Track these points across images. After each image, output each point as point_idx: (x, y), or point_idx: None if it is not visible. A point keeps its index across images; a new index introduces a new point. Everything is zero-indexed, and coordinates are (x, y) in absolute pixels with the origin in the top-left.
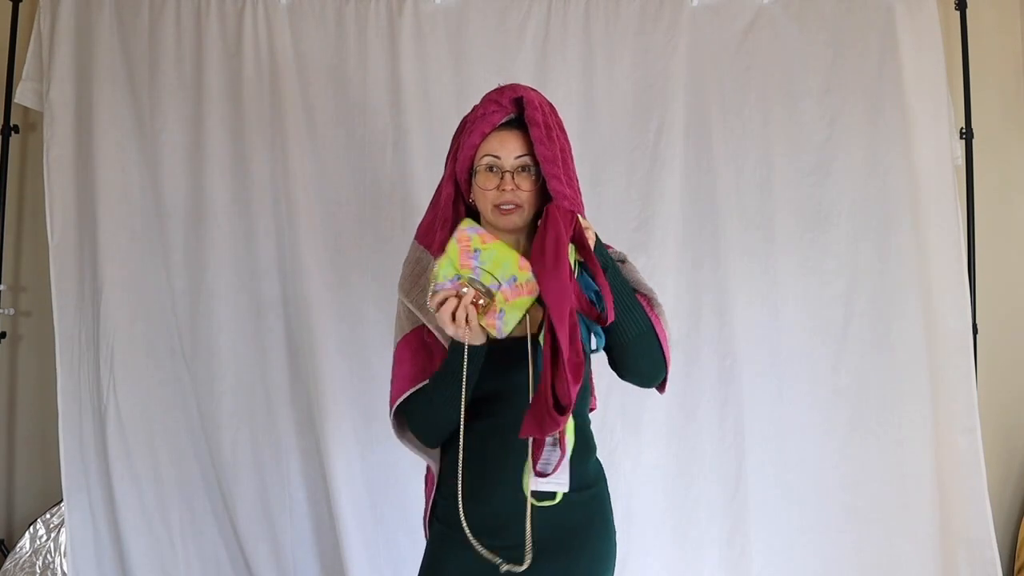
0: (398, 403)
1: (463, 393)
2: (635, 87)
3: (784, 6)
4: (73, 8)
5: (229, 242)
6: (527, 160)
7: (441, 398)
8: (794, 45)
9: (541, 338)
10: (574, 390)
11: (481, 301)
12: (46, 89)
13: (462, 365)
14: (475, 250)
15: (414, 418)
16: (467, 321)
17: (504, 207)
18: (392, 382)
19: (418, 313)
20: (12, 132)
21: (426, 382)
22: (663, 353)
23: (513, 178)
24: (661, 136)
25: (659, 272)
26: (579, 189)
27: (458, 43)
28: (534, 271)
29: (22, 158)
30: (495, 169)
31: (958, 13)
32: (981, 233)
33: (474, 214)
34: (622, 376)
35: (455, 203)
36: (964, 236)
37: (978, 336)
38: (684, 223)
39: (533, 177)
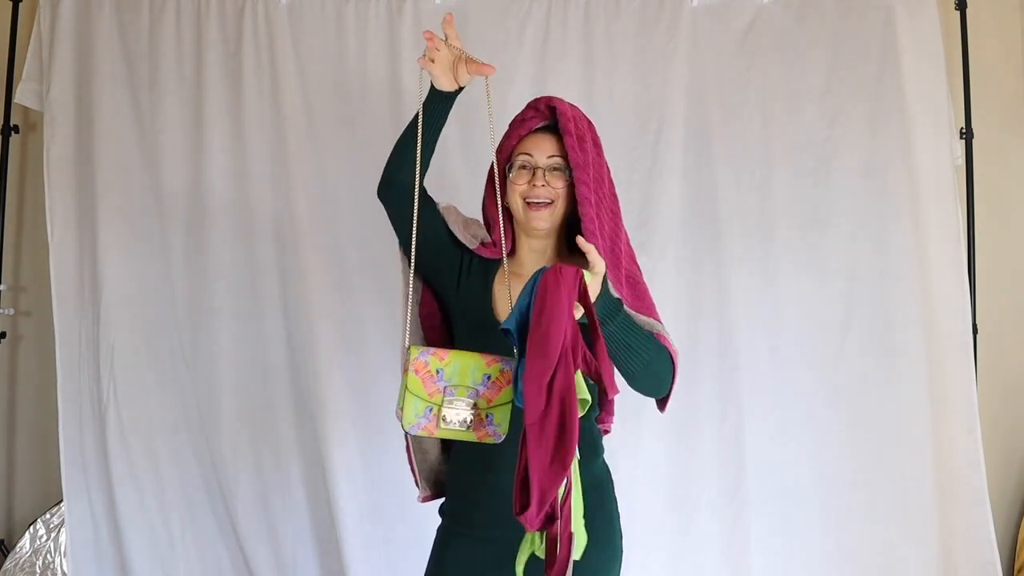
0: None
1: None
2: (635, 87)
3: (784, 6)
4: (73, 8)
5: (229, 242)
6: (560, 161)
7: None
8: (794, 45)
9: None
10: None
11: (468, 416)
12: (46, 89)
13: (430, 109)
14: (436, 371)
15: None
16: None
17: (534, 201)
18: None
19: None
20: (12, 132)
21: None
22: (670, 380)
23: (545, 175)
24: (661, 136)
25: (659, 272)
26: (614, 198)
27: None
28: (529, 340)
29: (22, 158)
30: (528, 167)
31: (958, 13)
32: (981, 233)
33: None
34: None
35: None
36: (964, 236)
37: (978, 336)
38: (684, 223)
39: (566, 179)
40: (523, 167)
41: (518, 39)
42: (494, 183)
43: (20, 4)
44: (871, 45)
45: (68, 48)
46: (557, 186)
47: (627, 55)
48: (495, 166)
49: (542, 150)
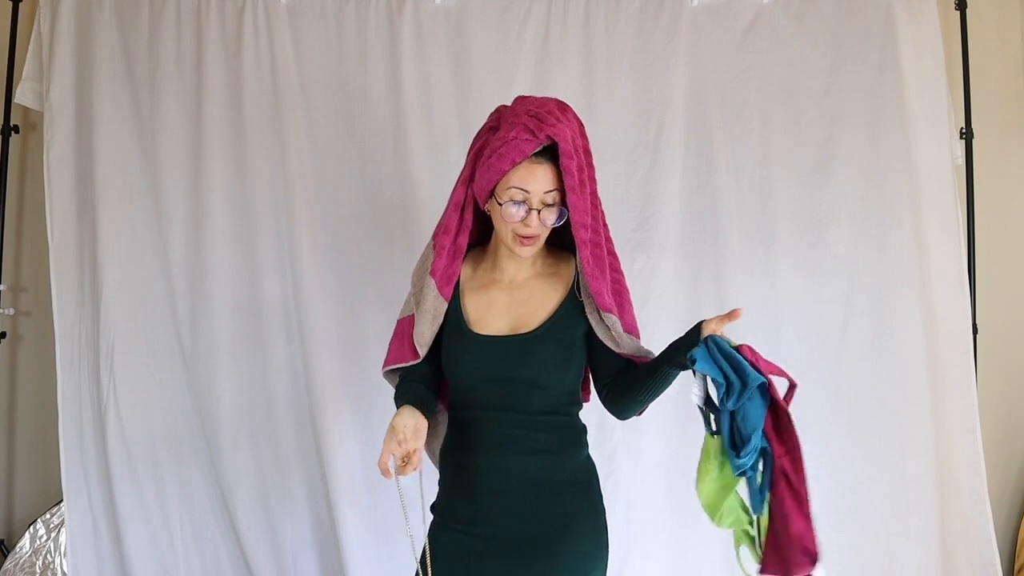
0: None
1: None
2: (635, 87)
3: (784, 6)
4: (73, 8)
5: (229, 242)
6: (556, 196)
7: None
8: (794, 45)
9: (760, 476)
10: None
11: None
12: (46, 89)
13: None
14: None
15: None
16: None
17: (526, 239)
18: (388, 347)
19: (413, 303)
20: (12, 132)
21: (402, 365)
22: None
23: (539, 214)
24: (661, 136)
25: (659, 272)
26: (602, 216)
27: (458, 43)
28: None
29: (22, 158)
30: (523, 203)
31: (958, 13)
32: (981, 233)
33: (483, 220)
34: (610, 408)
35: (463, 209)
36: (964, 236)
37: (978, 336)
38: (684, 223)
39: (557, 211)
40: (517, 202)
41: (518, 39)
42: (470, 181)
43: (20, 4)
44: (871, 45)
45: (68, 48)
46: (550, 223)
47: (627, 55)
48: (475, 187)
49: (539, 185)
